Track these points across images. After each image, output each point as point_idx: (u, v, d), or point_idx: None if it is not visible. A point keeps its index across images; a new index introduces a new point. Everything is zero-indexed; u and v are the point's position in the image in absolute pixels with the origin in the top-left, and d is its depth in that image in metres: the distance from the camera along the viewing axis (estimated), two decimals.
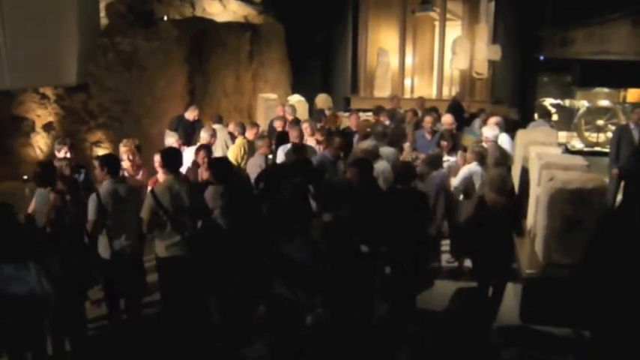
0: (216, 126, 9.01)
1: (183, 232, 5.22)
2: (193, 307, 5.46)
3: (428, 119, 9.05)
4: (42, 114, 9.16)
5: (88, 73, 9.44)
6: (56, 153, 6.63)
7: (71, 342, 5.12)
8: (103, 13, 10.83)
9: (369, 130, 7.96)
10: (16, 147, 9.03)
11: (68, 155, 6.58)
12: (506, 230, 5.81)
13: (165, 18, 12.27)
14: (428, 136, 8.80)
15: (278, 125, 9.26)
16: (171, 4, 13.44)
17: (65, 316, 5.01)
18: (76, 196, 5.88)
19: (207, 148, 7.08)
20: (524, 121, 11.12)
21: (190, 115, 9.46)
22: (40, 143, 9.15)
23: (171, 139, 7.60)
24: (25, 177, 8.09)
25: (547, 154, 6.97)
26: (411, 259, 5.74)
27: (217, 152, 8.01)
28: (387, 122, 9.50)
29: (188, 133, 9.26)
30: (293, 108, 10.63)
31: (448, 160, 7.51)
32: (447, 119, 9.14)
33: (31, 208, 5.68)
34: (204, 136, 7.76)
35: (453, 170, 7.23)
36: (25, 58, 8.41)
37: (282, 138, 8.24)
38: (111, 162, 5.61)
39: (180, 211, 5.22)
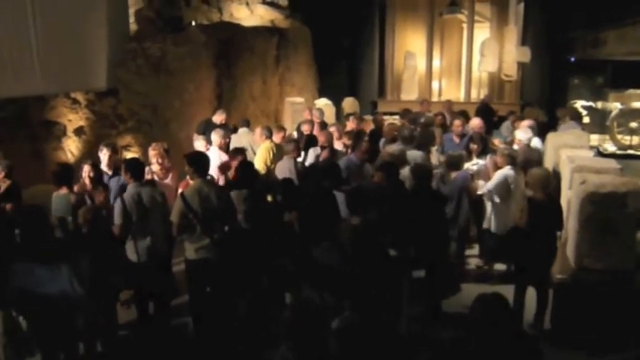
0: (242, 130, 9.05)
1: (213, 235, 5.25)
2: (221, 309, 5.47)
3: (457, 123, 8.96)
4: (73, 118, 9.32)
5: (117, 78, 9.62)
6: (99, 154, 6.74)
7: (103, 343, 5.18)
8: (132, 19, 10.99)
9: (395, 133, 7.90)
10: (48, 151, 9.19)
11: (106, 158, 6.66)
12: (552, 229, 5.71)
13: (193, 23, 12.39)
14: (456, 140, 8.71)
15: (306, 129, 9.26)
16: (199, 9, 13.57)
17: (97, 318, 5.07)
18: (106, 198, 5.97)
19: (243, 152, 7.10)
20: (555, 123, 10.94)
21: (218, 118, 9.52)
22: (71, 147, 9.30)
23: (199, 143, 7.66)
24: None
25: (579, 157, 6.86)
26: (432, 262, 5.69)
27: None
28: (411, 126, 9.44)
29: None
30: (321, 111, 10.63)
31: (477, 163, 7.41)
32: (476, 122, 9.02)
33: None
34: (215, 138, 7.80)
35: (482, 173, 7.13)
36: (56, 64, 8.61)
37: (310, 141, 8.24)
38: (134, 166, 5.64)
39: (209, 214, 5.24)
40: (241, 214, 5.43)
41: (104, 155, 6.66)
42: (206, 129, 9.19)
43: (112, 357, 5.19)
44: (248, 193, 5.53)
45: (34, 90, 8.41)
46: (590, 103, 17.51)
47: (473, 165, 7.38)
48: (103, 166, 6.65)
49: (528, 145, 7.61)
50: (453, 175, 6.69)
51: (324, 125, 9.98)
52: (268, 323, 5.08)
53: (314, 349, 3.08)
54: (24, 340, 4.92)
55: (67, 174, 5.78)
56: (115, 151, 6.82)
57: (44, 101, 9.10)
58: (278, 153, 7.83)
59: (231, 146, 7.97)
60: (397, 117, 11.59)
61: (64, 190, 5.61)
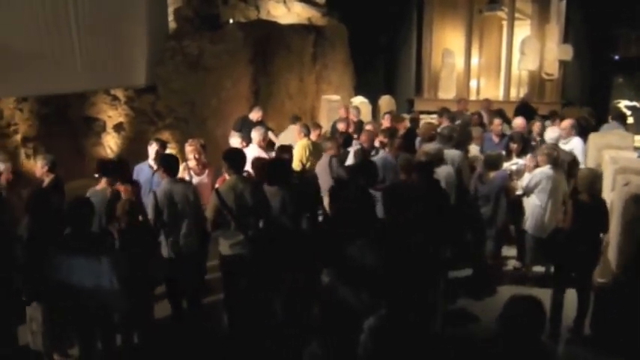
0: (292, 127, 9.06)
1: (247, 231, 5.26)
2: (255, 305, 5.50)
3: (496, 122, 8.83)
4: (113, 115, 9.49)
5: (156, 75, 9.75)
6: (148, 148, 6.84)
7: (139, 336, 5.26)
8: (171, 18, 11.12)
9: (433, 132, 7.81)
10: (88, 146, 9.39)
11: (153, 152, 6.75)
12: (597, 231, 5.57)
13: (231, 21, 12.47)
14: (495, 139, 8.57)
15: (341, 127, 9.24)
16: (236, 7, 13.65)
17: (133, 312, 5.14)
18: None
19: (290, 150, 7.12)
20: (598, 123, 10.66)
21: (254, 115, 9.57)
22: (110, 143, 9.47)
23: (235, 140, 7.70)
24: (97, 175, 8.40)
25: (622, 158, 6.67)
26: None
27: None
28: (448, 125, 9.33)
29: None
30: (357, 109, 10.60)
31: (517, 163, 7.27)
32: (519, 122, 8.84)
33: None
34: (254, 136, 7.80)
35: (522, 173, 7.00)
36: (97, 62, 8.78)
37: (346, 140, 8.22)
38: (168, 162, 5.72)
39: (243, 211, 5.26)
40: (275, 210, 5.43)
41: (152, 150, 6.76)
42: (242, 126, 9.24)
43: (148, 350, 5.27)
44: (280, 189, 5.54)
45: (75, 87, 8.59)
46: (634, 103, 17.02)
47: (512, 165, 7.25)
48: (150, 161, 6.76)
49: (557, 145, 7.42)
50: (492, 174, 6.58)
51: (360, 124, 9.95)
52: (302, 320, 5.09)
53: (344, 347, 3.05)
54: (62, 331, 5.02)
55: (109, 168, 5.84)
56: (163, 147, 6.91)
57: (84, 98, 9.30)
58: (315, 151, 7.83)
59: (280, 142, 8.00)
60: (434, 116, 11.47)
61: (101, 185, 5.69)
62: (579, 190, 5.67)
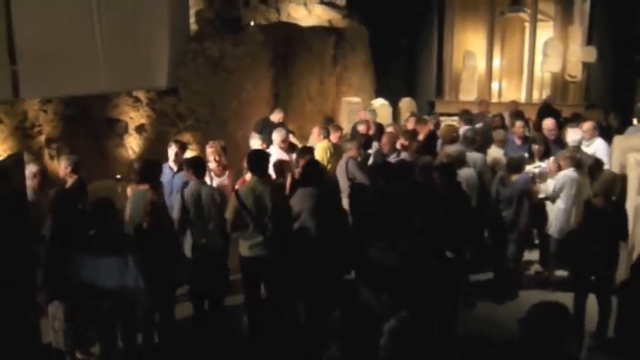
0: (314, 129, 9.06)
1: (265, 233, 5.27)
2: (276, 307, 5.50)
3: (518, 124, 8.71)
4: (135, 116, 9.58)
5: (178, 77, 9.82)
6: (168, 150, 6.89)
7: (160, 336, 5.29)
8: (192, 20, 11.19)
9: (455, 134, 7.75)
10: (110, 148, 9.48)
11: (173, 154, 6.79)
12: (613, 236, 5.48)
13: (252, 23, 12.51)
14: (518, 142, 8.47)
15: (362, 129, 9.21)
16: (257, 9, 13.69)
17: (155, 311, 5.19)
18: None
19: (312, 151, 7.12)
20: (622, 126, 10.49)
21: (275, 117, 9.58)
22: (132, 144, 9.55)
23: (256, 141, 7.72)
24: (118, 176, 8.49)
25: None
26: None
27: None
28: (466, 127, 9.26)
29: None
30: (373, 112, 10.57)
31: (540, 165, 7.18)
32: (548, 124, 8.63)
33: (128, 208, 5.91)
34: (275, 138, 7.83)
35: (545, 176, 6.92)
36: (120, 64, 8.86)
37: (366, 142, 8.19)
38: (197, 164, 5.78)
39: (262, 212, 5.27)
40: (306, 212, 5.42)
41: (172, 151, 6.80)
42: (263, 127, 9.27)
43: (168, 350, 5.30)
44: (314, 190, 5.54)
45: (98, 88, 8.69)
46: None
47: (535, 167, 7.16)
48: (170, 162, 6.80)
49: (579, 147, 7.31)
50: (514, 177, 6.50)
51: (379, 126, 9.91)
52: (322, 322, 5.08)
53: (364, 350, 3.03)
54: (84, 329, 5.07)
55: (150, 170, 5.86)
56: (183, 148, 6.97)
57: (107, 99, 9.39)
58: (335, 153, 7.82)
59: (309, 144, 8.01)
60: (455, 118, 11.39)
61: (144, 186, 5.73)
62: (595, 192, 5.60)
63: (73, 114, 8.93)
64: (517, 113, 10.68)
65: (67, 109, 8.80)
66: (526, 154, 7.52)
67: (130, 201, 5.84)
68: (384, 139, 7.86)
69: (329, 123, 9.39)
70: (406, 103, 13.81)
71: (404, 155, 7.33)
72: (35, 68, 7.41)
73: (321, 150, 7.82)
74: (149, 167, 5.84)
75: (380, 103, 12.98)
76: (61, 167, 6.43)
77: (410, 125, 9.58)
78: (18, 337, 4.28)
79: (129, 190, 6.18)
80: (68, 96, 8.50)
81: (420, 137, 8.44)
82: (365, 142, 8.19)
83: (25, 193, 4.80)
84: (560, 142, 8.10)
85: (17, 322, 4.28)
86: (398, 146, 7.95)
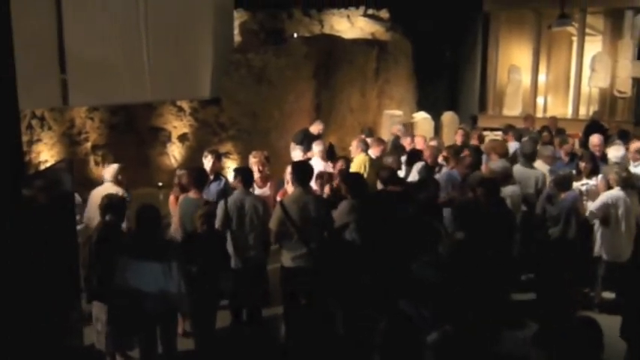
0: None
1: (310, 244, 5.23)
2: (316, 318, 5.45)
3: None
4: (178, 125, 9.70)
5: (220, 87, 9.85)
6: (203, 160, 6.94)
7: (199, 343, 5.29)
8: (236, 31, 11.32)
9: (503, 150, 7.57)
10: (153, 156, 9.61)
11: (210, 164, 6.83)
12: None
13: (295, 35, 12.59)
14: (565, 158, 8.25)
15: (408, 143, 9.11)
16: (300, 21, 13.79)
17: (197, 318, 5.20)
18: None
19: (346, 159, 7.08)
20: None
21: (315, 129, 9.57)
22: (174, 152, 9.67)
23: (298, 153, 7.71)
24: (160, 184, 8.58)
25: None
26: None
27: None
28: (515, 143, 9.06)
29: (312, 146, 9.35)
30: (406, 127, 10.45)
31: (587, 183, 6.95)
32: (594, 140, 8.42)
33: (177, 215, 5.95)
34: (316, 149, 7.80)
35: (592, 194, 6.68)
36: (165, 74, 8.92)
37: (413, 156, 8.06)
38: (245, 174, 5.82)
39: (307, 223, 5.25)
40: (350, 224, 5.39)
41: (208, 161, 6.84)
42: (303, 139, 9.26)
43: (207, 357, 5.29)
44: (358, 203, 5.49)
45: (143, 97, 8.76)
46: None
47: (582, 185, 6.93)
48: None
49: (625, 166, 7.05)
50: (562, 195, 6.30)
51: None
52: (364, 335, 4.99)
53: None
54: (125, 332, 5.10)
55: (200, 178, 5.94)
56: (218, 157, 7.00)
57: (151, 108, 9.54)
58: (373, 167, 7.69)
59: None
60: (498, 132, 11.19)
61: (195, 195, 5.76)
62: None
63: (118, 122, 9.10)
64: (558, 130, 10.47)
65: (112, 117, 8.97)
66: (573, 171, 7.31)
67: (180, 208, 5.87)
68: (426, 153, 7.75)
69: (369, 133, 9.31)
70: (448, 117, 13.64)
71: (445, 169, 7.20)
72: (84, 77, 7.51)
73: (356, 164, 7.70)
74: (199, 175, 5.88)
75: (422, 117, 12.85)
76: (106, 173, 6.52)
77: (459, 139, 9.43)
78: (60, 336, 4.33)
79: (172, 198, 6.21)
80: (114, 104, 8.66)
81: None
82: (412, 156, 8.05)
83: (73, 197, 4.89)
84: (606, 159, 7.86)
85: (61, 323, 4.34)
86: (440, 160, 7.83)
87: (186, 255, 4.87)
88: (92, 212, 5.79)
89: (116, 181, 6.18)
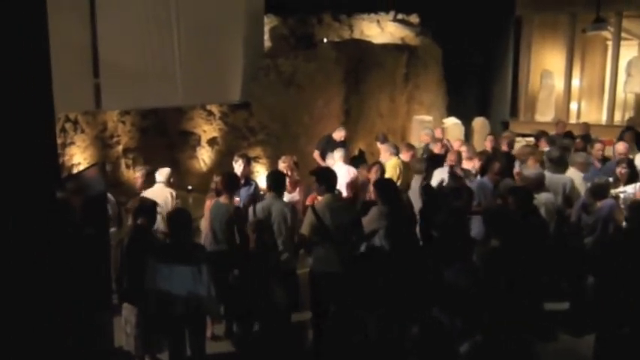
0: (381, 146, 8.98)
1: (341, 249, 5.21)
2: (345, 324, 5.41)
3: (597, 146, 8.36)
4: (207, 129, 9.77)
5: (250, 92, 9.94)
6: (234, 164, 6.97)
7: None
8: (266, 36, 11.36)
9: (537, 157, 7.45)
10: (183, 159, 9.69)
11: (240, 168, 6.86)
12: None
13: (325, 40, 12.58)
14: (597, 165, 8.07)
15: (437, 149, 9.03)
16: (330, 26, 13.78)
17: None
18: None
19: (380, 165, 7.04)
20: None
21: (337, 135, 9.54)
22: (204, 156, 9.74)
23: (331, 161, 7.72)
24: (190, 187, 8.64)
25: None
26: None
27: None
28: (547, 149, 8.91)
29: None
30: (432, 131, 10.36)
31: (625, 191, 6.78)
32: (620, 148, 8.27)
33: (207, 219, 5.99)
34: (338, 155, 7.77)
35: (630, 203, 6.50)
36: (196, 78, 9.04)
37: (435, 161, 7.99)
38: (276, 179, 5.81)
39: (338, 229, 5.23)
40: (381, 231, 5.34)
41: (239, 166, 6.86)
42: (327, 145, 9.25)
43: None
44: (389, 209, 5.45)
45: (175, 102, 8.90)
46: None
47: (620, 192, 6.76)
48: None
49: None
50: (599, 204, 6.15)
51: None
52: (395, 342, 4.95)
53: None
54: (154, 335, 5.13)
55: (232, 183, 5.94)
56: (248, 162, 7.03)
57: (181, 112, 9.63)
58: (405, 170, 7.67)
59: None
60: (530, 138, 11.03)
61: (225, 200, 5.80)
62: None
63: (149, 125, 9.21)
64: (583, 136, 10.30)
65: (143, 120, 9.08)
66: (610, 179, 7.14)
67: (210, 213, 5.89)
68: (451, 157, 7.65)
69: (383, 139, 9.26)
70: (479, 123, 13.48)
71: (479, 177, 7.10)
72: (116, 81, 7.66)
73: (390, 167, 7.68)
74: (230, 180, 5.90)
75: (452, 122, 12.72)
76: (136, 176, 6.60)
77: (489, 145, 9.31)
78: (92, 337, 4.37)
79: (208, 202, 6.24)
80: (146, 108, 8.76)
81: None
82: (435, 161, 7.98)
83: (105, 200, 4.95)
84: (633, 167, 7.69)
85: (92, 324, 4.38)
86: (469, 166, 7.73)
87: (233, 264, 4.87)
88: None
89: (168, 182, 6.43)
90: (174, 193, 6.29)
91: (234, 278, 5.20)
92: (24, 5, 2.80)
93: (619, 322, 4.98)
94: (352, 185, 6.77)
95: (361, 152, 10.44)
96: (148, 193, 6.21)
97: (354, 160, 9.04)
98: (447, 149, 9.22)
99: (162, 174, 6.47)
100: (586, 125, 11.73)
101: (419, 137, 11.34)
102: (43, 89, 2.96)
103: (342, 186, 6.97)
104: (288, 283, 5.75)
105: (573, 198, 6.69)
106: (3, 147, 2.77)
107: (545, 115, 15.91)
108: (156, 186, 6.36)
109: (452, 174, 7.16)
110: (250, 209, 5.58)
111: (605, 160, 8.24)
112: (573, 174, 7.43)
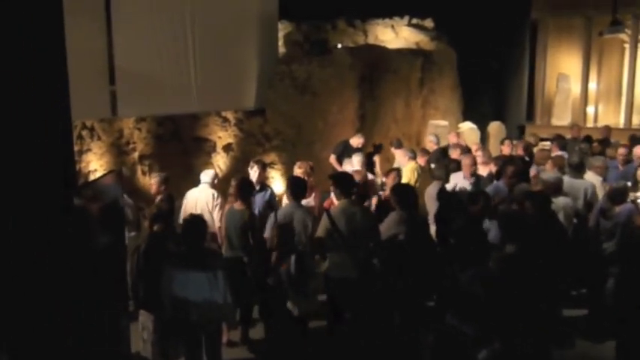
0: (396, 151, 8.97)
1: (356, 254, 5.18)
2: (359, 328, 5.39)
3: (621, 150, 8.28)
4: (222, 136, 9.79)
5: (265, 98, 9.98)
6: (249, 170, 6.99)
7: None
8: (281, 43, 11.38)
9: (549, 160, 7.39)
10: (198, 166, 9.71)
11: (256, 174, 6.87)
12: None
13: (339, 46, 12.58)
14: (620, 168, 8.00)
15: (455, 154, 8.98)
16: (344, 32, 13.79)
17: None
18: None
19: (398, 171, 7.05)
20: None
21: (355, 142, 9.52)
22: (219, 163, 9.76)
23: (349, 166, 7.74)
24: None
25: None
26: None
27: None
28: (559, 152, 8.83)
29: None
30: (437, 137, 10.32)
31: None
32: (638, 152, 8.21)
33: (223, 224, 6.01)
34: (356, 161, 7.80)
35: None
36: (211, 85, 9.10)
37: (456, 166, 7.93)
38: (297, 186, 5.85)
39: (353, 233, 5.22)
40: (399, 236, 5.31)
41: (254, 172, 6.88)
42: (344, 150, 9.24)
43: None
44: (408, 214, 5.43)
45: (190, 108, 8.96)
46: None
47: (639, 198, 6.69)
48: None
49: None
50: (617, 209, 6.07)
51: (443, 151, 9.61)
52: (411, 349, 4.92)
53: None
54: (171, 341, 5.15)
55: (246, 190, 5.97)
56: (263, 168, 7.06)
57: (197, 119, 9.66)
58: (422, 175, 7.66)
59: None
60: (547, 142, 10.95)
61: (239, 206, 5.81)
62: None
63: (164, 132, 9.25)
64: (601, 140, 10.23)
65: (159, 127, 9.12)
66: (628, 183, 7.06)
67: (225, 219, 5.91)
68: (465, 161, 7.60)
69: (398, 144, 9.24)
70: (495, 127, 13.40)
71: (495, 181, 7.05)
72: (132, 88, 7.73)
73: (408, 171, 7.69)
74: (244, 186, 5.91)
75: (467, 127, 12.66)
76: (152, 183, 6.64)
77: (506, 150, 9.24)
78: (108, 343, 4.39)
79: (226, 207, 6.26)
80: (161, 115, 8.82)
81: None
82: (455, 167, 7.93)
83: (122, 208, 4.98)
84: None
85: (109, 330, 4.40)
86: (485, 171, 7.69)
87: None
88: (187, 213, 5.94)
89: (212, 184, 6.65)
90: (216, 194, 6.49)
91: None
92: (41, 13, 2.83)
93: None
94: (365, 189, 6.74)
95: (378, 146, 10.42)
96: (193, 193, 6.52)
97: (370, 155, 9.36)
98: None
99: (207, 175, 6.73)
100: (607, 128, 11.61)
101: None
102: (61, 97, 2.99)
103: None
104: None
105: (594, 203, 6.63)
106: (22, 154, 2.80)
107: (561, 119, 15.77)
108: (201, 186, 6.61)
109: (476, 180, 7.14)
110: (271, 217, 5.58)
111: (627, 163, 8.17)
112: (592, 178, 7.36)
